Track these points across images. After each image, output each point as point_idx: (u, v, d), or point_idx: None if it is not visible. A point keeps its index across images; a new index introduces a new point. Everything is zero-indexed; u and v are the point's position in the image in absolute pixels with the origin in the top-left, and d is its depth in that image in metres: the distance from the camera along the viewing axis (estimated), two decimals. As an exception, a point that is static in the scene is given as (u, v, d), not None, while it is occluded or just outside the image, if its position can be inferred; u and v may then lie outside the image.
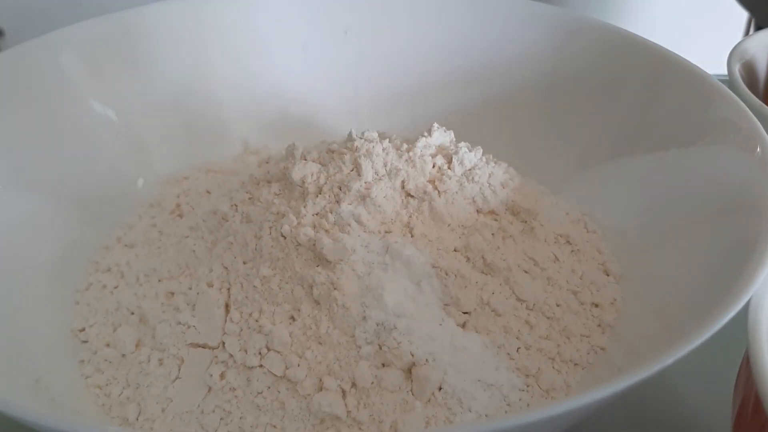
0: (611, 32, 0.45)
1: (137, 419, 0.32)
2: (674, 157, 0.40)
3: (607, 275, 0.38)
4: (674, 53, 0.42)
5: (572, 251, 0.38)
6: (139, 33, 0.46)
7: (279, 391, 0.31)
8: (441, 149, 0.39)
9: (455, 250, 0.36)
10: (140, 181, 0.45)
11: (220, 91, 0.48)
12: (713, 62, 0.52)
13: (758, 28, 0.78)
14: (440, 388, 0.31)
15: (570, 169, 0.45)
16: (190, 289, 0.35)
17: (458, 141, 0.40)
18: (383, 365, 0.31)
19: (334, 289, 0.32)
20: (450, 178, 0.37)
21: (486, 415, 0.31)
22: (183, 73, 0.47)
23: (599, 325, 0.35)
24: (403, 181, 0.36)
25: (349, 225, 0.34)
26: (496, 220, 0.38)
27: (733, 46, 0.47)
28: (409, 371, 0.31)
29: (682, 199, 0.38)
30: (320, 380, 0.31)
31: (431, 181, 0.37)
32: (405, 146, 0.38)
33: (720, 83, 0.39)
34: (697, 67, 0.41)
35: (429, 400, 0.31)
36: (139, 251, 0.39)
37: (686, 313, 0.31)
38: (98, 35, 0.44)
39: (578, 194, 0.43)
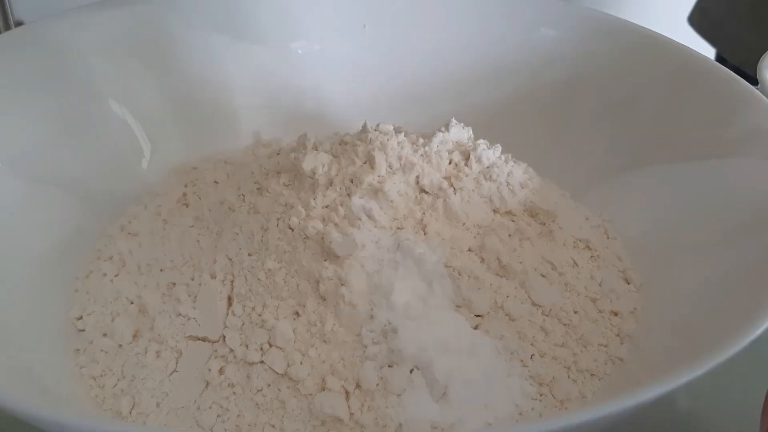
0: (636, 33, 0.44)
1: (130, 413, 0.31)
2: (701, 166, 0.39)
3: (628, 283, 0.37)
4: (702, 55, 0.41)
5: (591, 257, 0.37)
6: (152, 22, 0.45)
7: (279, 390, 0.30)
8: (458, 145, 0.38)
9: (469, 250, 0.34)
10: (148, 171, 0.44)
11: (234, 81, 0.47)
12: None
13: (720, 59, 0.79)
14: (448, 393, 0.29)
15: (591, 176, 0.44)
16: (192, 280, 0.35)
17: (476, 139, 0.38)
18: (389, 367, 0.30)
19: (342, 285, 0.31)
20: (467, 176, 0.36)
21: (495, 424, 0.30)
22: (196, 62, 0.47)
23: (618, 335, 0.34)
24: (417, 177, 0.35)
25: (360, 219, 0.33)
26: (513, 220, 0.36)
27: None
28: (416, 374, 0.30)
29: (708, 211, 0.36)
30: (323, 380, 0.30)
31: (447, 178, 0.36)
32: (421, 141, 0.37)
33: (750, 87, 0.38)
34: (727, 71, 0.39)
35: (436, 405, 0.29)
36: (143, 240, 0.38)
37: (709, 328, 0.30)
38: (111, 23, 0.43)
39: (599, 201, 0.42)
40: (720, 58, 0.80)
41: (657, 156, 0.41)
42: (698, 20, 0.83)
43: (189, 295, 0.34)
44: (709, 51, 0.82)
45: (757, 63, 0.44)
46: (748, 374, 0.31)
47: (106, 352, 0.33)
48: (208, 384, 0.31)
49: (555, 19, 0.47)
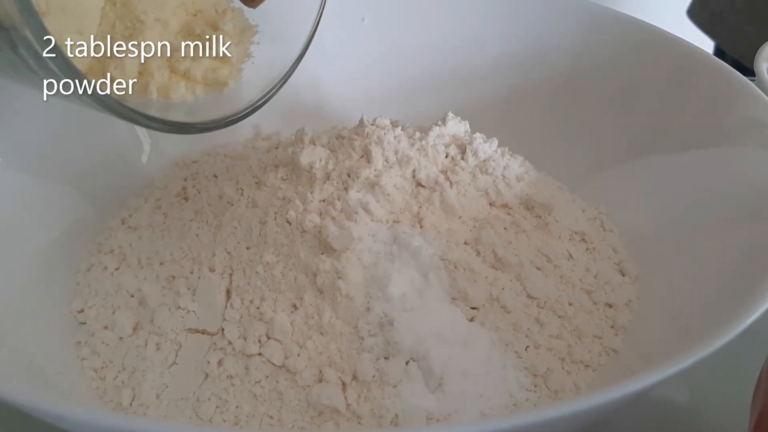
0: (634, 26, 0.44)
1: (131, 404, 0.31)
2: (697, 158, 0.39)
3: (623, 275, 0.37)
4: (699, 48, 0.41)
5: (587, 249, 0.37)
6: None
7: (277, 381, 0.31)
8: (455, 139, 0.38)
9: (465, 243, 0.35)
10: (148, 164, 0.44)
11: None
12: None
13: (719, 52, 0.79)
14: (444, 384, 0.30)
15: (588, 168, 0.44)
16: (192, 273, 0.35)
17: (473, 133, 0.38)
18: (386, 358, 0.30)
19: (339, 278, 0.31)
20: (463, 169, 0.36)
21: (490, 414, 0.30)
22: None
23: (612, 327, 0.34)
24: (414, 170, 0.35)
25: (357, 213, 0.33)
26: (509, 214, 0.37)
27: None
28: (412, 365, 0.30)
29: (704, 202, 0.37)
30: (320, 371, 0.30)
31: (443, 172, 0.36)
32: (418, 135, 0.37)
33: (747, 81, 0.38)
34: (724, 64, 0.39)
35: (432, 396, 0.30)
36: (143, 233, 0.39)
37: (703, 318, 0.30)
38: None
39: (597, 193, 0.42)
40: (719, 51, 0.80)
41: (654, 148, 0.41)
42: (698, 13, 0.83)
43: (188, 288, 0.34)
44: (708, 44, 0.82)
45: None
46: (743, 367, 0.31)
47: (107, 345, 0.33)
48: (207, 376, 0.31)
49: (552, 12, 0.47)
